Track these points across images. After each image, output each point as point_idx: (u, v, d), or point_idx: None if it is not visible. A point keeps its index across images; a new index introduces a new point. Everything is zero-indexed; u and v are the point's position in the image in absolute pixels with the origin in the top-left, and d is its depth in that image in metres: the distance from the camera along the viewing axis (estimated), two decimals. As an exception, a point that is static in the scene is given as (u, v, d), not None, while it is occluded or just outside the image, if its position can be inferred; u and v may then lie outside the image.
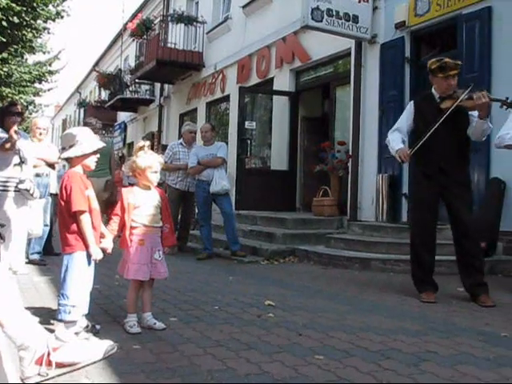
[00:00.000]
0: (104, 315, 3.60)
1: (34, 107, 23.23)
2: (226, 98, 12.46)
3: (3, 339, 2.29)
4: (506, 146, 4.37)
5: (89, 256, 2.92)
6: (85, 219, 2.90)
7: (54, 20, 12.95)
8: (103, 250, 3.03)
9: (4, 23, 11.21)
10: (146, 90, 17.69)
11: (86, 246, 2.91)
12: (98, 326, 3.16)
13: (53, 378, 2.40)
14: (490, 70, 6.15)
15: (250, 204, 9.31)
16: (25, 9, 11.49)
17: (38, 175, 5.61)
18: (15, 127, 4.51)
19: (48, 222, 6.17)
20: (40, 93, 20.78)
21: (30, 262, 5.92)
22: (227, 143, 9.06)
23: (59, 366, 2.46)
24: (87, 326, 3.09)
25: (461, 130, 4.31)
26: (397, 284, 4.99)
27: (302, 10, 7.44)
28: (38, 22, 12.65)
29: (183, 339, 3.04)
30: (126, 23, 17.39)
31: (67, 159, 3.03)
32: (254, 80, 11.21)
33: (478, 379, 2.42)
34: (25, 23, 11.90)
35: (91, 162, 3.07)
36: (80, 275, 2.90)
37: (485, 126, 4.23)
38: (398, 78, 7.46)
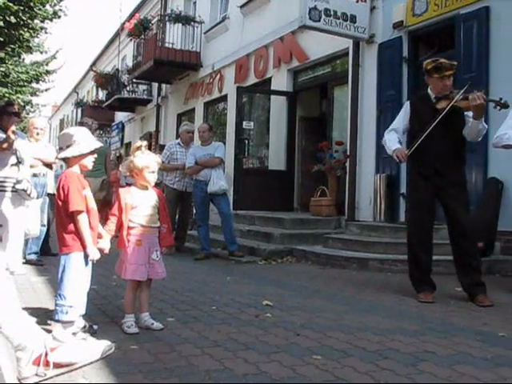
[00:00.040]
0: (101, 315, 3.59)
1: (32, 107, 23.22)
2: (224, 98, 12.45)
3: (0, 339, 2.29)
4: (503, 145, 4.38)
5: (86, 256, 2.92)
6: (82, 219, 2.90)
7: (51, 20, 12.92)
8: (100, 251, 3.03)
9: (1, 23, 11.17)
10: (144, 90, 17.68)
11: (84, 247, 2.90)
12: (95, 327, 3.16)
13: (50, 378, 2.39)
14: (487, 70, 6.16)
15: (248, 204, 9.31)
16: (22, 8, 11.45)
17: (35, 175, 5.60)
18: (13, 127, 4.49)
19: (45, 222, 6.16)
20: (37, 93, 20.76)
21: (28, 262, 5.91)
22: (225, 143, 9.05)
23: (57, 366, 2.45)
24: (84, 327, 3.08)
25: (456, 130, 4.32)
26: (395, 284, 4.99)
27: (299, 10, 7.44)
28: (35, 21, 12.61)
29: (181, 339, 3.03)
30: (124, 23, 17.38)
31: (64, 159, 3.03)
32: (252, 80, 11.21)
33: (476, 379, 2.42)
34: (22, 23, 11.86)
35: (88, 162, 3.06)
36: (77, 275, 2.89)
37: (480, 127, 4.23)
38: (396, 77, 7.46)
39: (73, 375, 2.47)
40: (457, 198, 4.30)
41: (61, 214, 2.94)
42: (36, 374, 2.36)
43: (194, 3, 14.82)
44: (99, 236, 3.10)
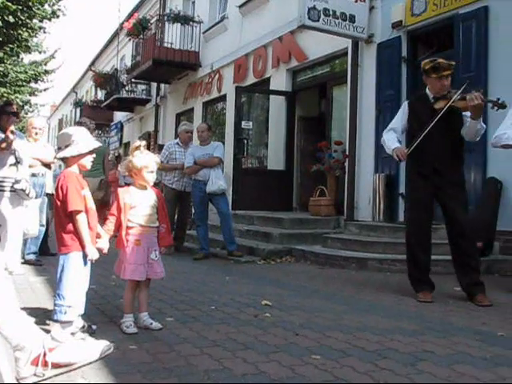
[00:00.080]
0: (100, 315, 3.59)
1: (30, 107, 23.20)
2: (223, 98, 12.45)
3: (-1, 340, 2.28)
4: (502, 145, 4.38)
5: (85, 256, 2.92)
6: (81, 219, 2.89)
7: (49, 19, 12.90)
8: (99, 250, 3.03)
9: (-1, 22, 11.18)
10: (143, 90, 17.68)
11: (82, 246, 2.90)
12: (94, 327, 3.15)
13: (49, 378, 2.39)
14: (486, 70, 6.16)
15: (247, 204, 9.31)
16: (20, 8, 11.43)
17: (33, 175, 5.60)
18: (12, 127, 4.49)
19: (44, 222, 6.16)
20: (36, 92, 20.73)
21: (26, 262, 5.90)
22: (224, 143, 9.05)
23: (55, 366, 2.45)
24: (83, 327, 3.08)
25: (454, 130, 4.32)
26: (393, 284, 4.99)
27: (298, 10, 7.45)
28: (34, 21, 12.60)
29: (180, 339, 3.03)
30: (123, 23, 17.38)
31: (63, 159, 3.02)
32: (251, 80, 11.21)
33: (475, 379, 2.41)
34: (20, 22, 11.85)
35: (87, 162, 3.06)
36: (76, 275, 2.89)
37: (478, 127, 4.24)
38: (395, 77, 7.46)
39: (72, 375, 2.47)
40: (455, 197, 4.30)
41: (59, 214, 2.94)
42: (34, 374, 2.35)
43: (193, 3, 14.82)
44: (98, 236, 3.10)
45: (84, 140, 3.00)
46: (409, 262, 4.48)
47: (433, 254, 4.45)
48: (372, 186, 7.51)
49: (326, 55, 9.07)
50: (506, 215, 5.80)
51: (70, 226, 2.90)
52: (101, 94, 21.52)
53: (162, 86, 16.22)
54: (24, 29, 12.39)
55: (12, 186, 4.51)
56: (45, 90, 21.60)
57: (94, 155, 3.11)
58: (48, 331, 2.87)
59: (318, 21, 7.32)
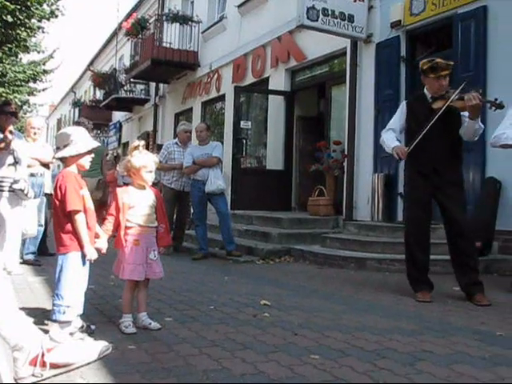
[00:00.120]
0: (99, 315, 3.58)
1: (29, 107, 23.20)
2: (222, 98, 12.45)
3: (-3, 340, 2.28)
4: (501, 145, 4.39)
5: (83, 256, 2.91)
6: (80, 219, 2.89)
7: (48, 19, 12.89)
8: (98, 250, 3.02)
9: (-2, 22, 11.17)
10: (141, 90, 17.66)
11: (81, 246, 2.89)
12: (92, 327, 3.15)
13: (48, 378, 2.38)
14: (485, 70, 6.16)
15: (246, 204, 9.31)
16: (19, 7, 11.42)
17: (32, 175, 5.59)
18: (10, 127, 4.48)
19: (42, 222, 6.14)
20: (34, 92, 20.72)
21: (25, 262, 5.89)
22: (223, 143, 9.04)
23: (53, 366, 2.45)
24: (82, 327, 3.07)
25: (453, 130, 4.32)
26: (392, 283, 5.00)
27: (297, 10, 7.45)
28: (33, 21, 12.58)
29: (178, 339, 3.03)
30: (121, 22, 17.35)
31: (62, 159, 3.01)
32: (250, 79, 11.21)
33: (474, 378, 2.42)
34: (19, 22, 11.83)
35: (86, 162, 3.05)
36: (75, 275, 2.88)
37: (476, 127, 4.24)
38: (394, 77, 7.46)
39: (71, 375, 2.47)
40: (454, 197, 4.30)
41: (58, 214, 2.93)
42: (32, 375, 2.35)
43: (192, 3, 14.81)
44: (97, 236, 3.10)
45: (83, 140, 3.00)
46: (407, 261, 4.48)
47: (432, 254, 4.46)
48: (371, 186, 7.51)
49: (325, 55, 9.06)
50: (504, 215, 5.81)
51: (68, 226, 2.89)
52: (99, 94, 21.51)
53: (161, 85, 16.21)
54: (22, 28, 12.38)
55: (10, 186, 4.49)
56: (43, 89, 21.58)
57: (93, 155, 3.11)
58: (47, 331, 2.87)
59: (317, 20, 7.32)
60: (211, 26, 13.06)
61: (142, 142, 3.40)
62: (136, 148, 3.34)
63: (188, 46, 13.78)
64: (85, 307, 2.99)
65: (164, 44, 13.79)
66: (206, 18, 13.36)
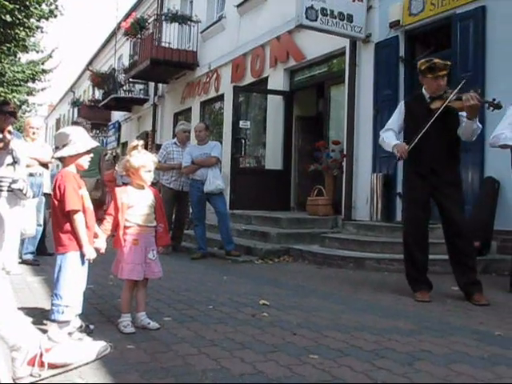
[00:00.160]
0: (98, 315, 3.58)
1: (28, 106, 23.19)
2: (221, 98, 12.45)
3: (-4, 340, 2.28)
4: (500, 145, 4.39)
5: (82, 256, 2.91)
6: (78, 219, 2.89)
7: (47, 19, 12.88)
8: (97, 250, 3.02)
9: (-4, 22, 11.17)
10: (140, 90, 17.65)
11: (80, 246, 2.89)
12: (91, 326, 3.15)
13: (46, 378, 2.38)
14: (483, 70, 6.17)
15: (245, 203, 9.30)
16: (17, 7, 11.41)
17: (31, 175, 5.58)
18: (9, 127, 4.48)
19: (41, 222, 6.13)
20: (33, 92, 20.73)
21: (24, 262, 5.88)
22: (221, 142, 9.03)
23: (51, 366, 2.44)
24: (81, 326, 3.07)
25: (451, 130, 4.33)
26: (391, 283, 5.00)
27: (296, 9, 7.44)
28: (31, 20, 12.57)
29: (177, 339, 3.03)
30: (120, 22, 17.34)
31: (61, 158, 3.01)
32: (249, 79, 11.21)
33: (473, 378, 2.42)
34: (18, 22, 11.83)
35: (85, 162, 3.05)
36: (73, 275, 2.88)
37: (474, 127, 4.24)
38: (393, 77, 7.47)
39: (69, 375, 2.47)
40: (452, 197, 4.31)
41: (57, 214, 2.93)
42: (31, 375, 2.35)
43: (191, 2, 14.80)
44: (95, 235, 3.09)
45: (81, 139, 3.00)
46: (406, 261, 4.48)
47: (430, 254, 4.46)
48: (370, 186, 7.52)
49: (324, 55, 9.07)
50: (503, 215, 5.81)
51: (67, 226, 2.89)
52: (98, 94, 21.51)
53: (160, 85, 16.21)
54: (21, 28, 12.37)
55: (9, 186, 4.49)
56: (42, 89, 21.60)
57: (92, 155, 3.11)
58: (45, 331, 2.87)
59: (316, 20, 7.32)
60: (210, 25, 13.06)
61: (141, 142, 3.40)
62: (135, 148, 3.34)
63: (187, 46, 13.77)
64: (84, 307, 2.99)
65: (163, 44, 13.79)
66: (204, 18, 13.35)
